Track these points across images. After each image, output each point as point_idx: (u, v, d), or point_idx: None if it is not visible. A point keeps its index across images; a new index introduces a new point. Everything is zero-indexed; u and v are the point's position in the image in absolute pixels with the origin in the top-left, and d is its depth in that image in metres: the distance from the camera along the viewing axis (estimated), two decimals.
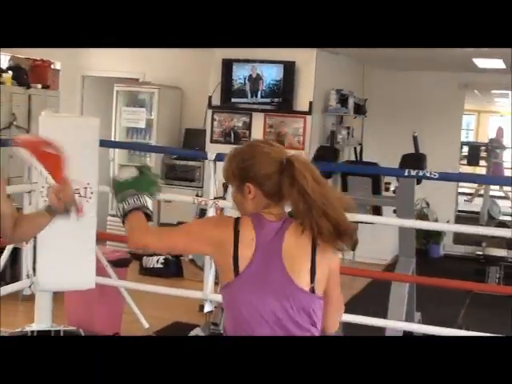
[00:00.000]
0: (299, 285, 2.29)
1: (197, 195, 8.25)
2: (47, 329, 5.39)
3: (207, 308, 5.20)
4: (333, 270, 2.39)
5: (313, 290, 2.32)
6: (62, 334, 5.34)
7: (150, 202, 2.55)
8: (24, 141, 2.73)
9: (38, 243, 5.09)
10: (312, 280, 2.31)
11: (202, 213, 8.08)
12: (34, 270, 5.15)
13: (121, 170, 2.70)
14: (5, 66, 8.37)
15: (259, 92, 7.98)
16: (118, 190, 2.56)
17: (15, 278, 6.31)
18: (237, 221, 2.34)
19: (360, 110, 9.04)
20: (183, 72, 9.20)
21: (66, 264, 5.10)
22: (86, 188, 5.03)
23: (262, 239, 2.31)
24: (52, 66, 9.03)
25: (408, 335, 4.94)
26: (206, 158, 5.32)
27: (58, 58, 9.16)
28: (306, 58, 7.79)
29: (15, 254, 5.58)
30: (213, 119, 8.33)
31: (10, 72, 8.28)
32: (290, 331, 2.30)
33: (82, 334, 5.33)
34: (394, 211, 5.56)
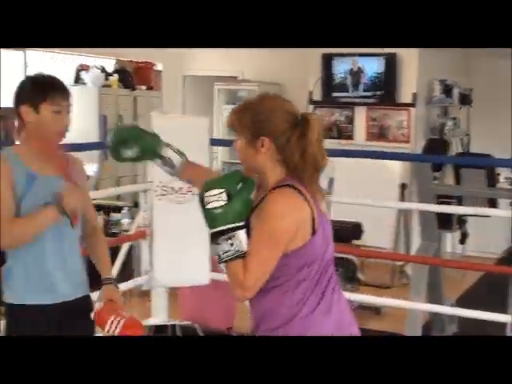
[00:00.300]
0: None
1: None
2: (164, 323, 5.54)
3: None
4: None
5: None
6: (177, 329, 5.48)
7: (242, 234, 2.28)
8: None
9: (155, 240, 5.22)
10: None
11: None
12: (151, 266, 5.29)
13: (206, 192, 2.32)
14: (111, 69, 8.60)
15: (360, 85, 7.95)
16: (209, 225, 2.31)
17: (128, 275, 6.50)
18: (299, 190, 2.32)
19: (465, 99, 8.87)
20: (282, 68, 9.23)
21: (181, 260, 5.23)
22: None
23: (310, 196, 2.36)
24: (154, 68, 9.22)
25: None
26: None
27: (160, 59, 9.35)
28: (408, 49, 7.70)
29: (128, 253, 5.72)
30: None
31: (116, 75, 8.51)
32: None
33: (198, 329, 5.45)
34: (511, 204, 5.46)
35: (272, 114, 2.35)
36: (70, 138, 4.03)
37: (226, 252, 2.26)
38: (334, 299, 2.42)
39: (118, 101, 8.52)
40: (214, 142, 5.82)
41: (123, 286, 5.41)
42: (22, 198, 2.71)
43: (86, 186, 3.01)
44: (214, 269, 5.43)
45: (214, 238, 2.29)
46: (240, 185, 2.33)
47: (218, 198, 2.27)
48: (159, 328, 5.50)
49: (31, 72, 7.75)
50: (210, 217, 2.28)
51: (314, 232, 2.32)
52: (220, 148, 9.26)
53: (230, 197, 2.28)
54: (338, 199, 6.67)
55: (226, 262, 2.28)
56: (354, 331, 2.49)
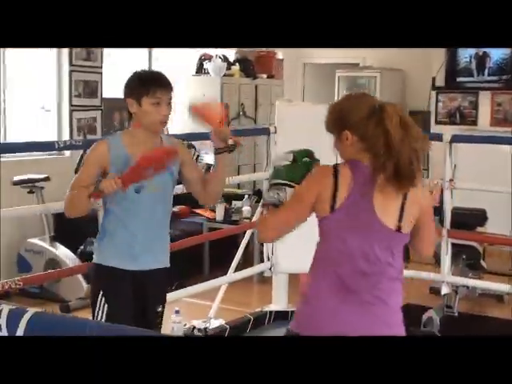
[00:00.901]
0: (386, 224, 2.50)
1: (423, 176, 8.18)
2: (285, 309, 5.62)
3: (444, 290, 5.18)
4: (424, 209, 2.58)
5: (399, 229, 2.51)
6: None
7: (289, 192, 2.66)
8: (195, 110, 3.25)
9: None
10: (400, 220, 2.51)
11: None
12: (273, 253, 5.38)
13: (280, 155, 2.81)
14: (232, 59, 8.74)
15: (486, 70, 7.77)
16: (270, 177, 2.78)
17: (247, 260, 6.63)
18: (335, 167, 2.54)
19: None
20: (405, 54, 9.10)
21: (303, 247, 5.26)
22: None
23: (358, 181, 2.51)
24: (276, 57, 9.30)
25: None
26: (441, 140, 5.20)
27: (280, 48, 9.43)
28: None
29: (250, 240, 5.82)
30: (437, 100, 8.22)
31: (238, 64, 8.64)
32: (372, 267, 2.51)
33: None
34: None
35: (349, 109, 2.56)
36: (191, 126, 4.18)
37: (270, 197, 2.66)
38: (338, 298, 2.52)
39: (240, 89, 8.66)
40: None
41: (245, 273, 5.54)
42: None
43: (190, 156, 3.43)
44: None
45: (270, 187, 2.71)
46: (307, 158, 2.71)
47: (285, 160, 2.72)
48: (280, 314, 5.58)
49: (157, 66, 8.06)
50: (274, 171, 2.76)
51: (332, 210, 2.50)
52: None
53: (294, 161, 2.70)
54: (461, 185, 6.57)
55: (265, 205, 2.71)
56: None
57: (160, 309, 3.29)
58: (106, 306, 3.14)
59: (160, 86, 3.09)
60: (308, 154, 2.75)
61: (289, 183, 2.67)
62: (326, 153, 5.16)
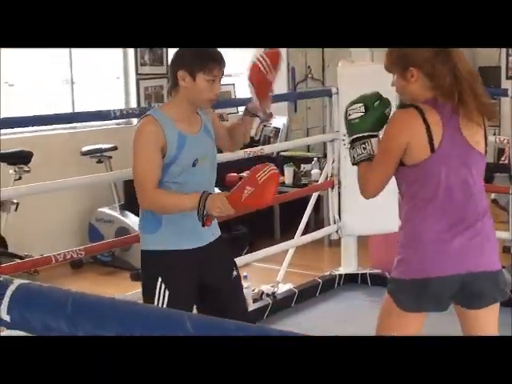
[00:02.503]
0: (479, 150, 2.65)
1: (494, 134, 8.00)
2: (354, 272, 5.60)
3: None
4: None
5: (485, 152, 2.69)
6: (368, 277, 5.53)
7: (374, 142, 2.69)
8: (253, 76, 3.12)
9: (342, 190, 5.27)
10: (486, 144, 2.68)
11: (501, 152, 7.83)
12: (340, 215, 5.36)
13: (349, 107, 2.76)
14: None
15: None
16: (349, 133, 2.77)
17: (319, 224, 6.62)
18: (418, 107, 2.57)
19: None
20: None
21: (369, 208, 5.22)
22: None
23: (445, 118, 2.58)
24: None
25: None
26: (506, 95, 5.12)
27: None
28: None
29: (317, 203, 5.81)
30: (508, 55, 8.00)
31: None
32: (474, 193, 2.64)
33: (388, 277, 5.46)
34: None
35: (411, 50, 2.58)
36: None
37: (360, 155, 2.69)
38: (453, 233, 2.61)
39: (306, 52, 8.58)
40: None
41: (311, 236, 5.53)
42: (176, 158, 2.96)
43: (215, 117, 3.29)
44: None
45: (352, 144, 2.72)
46: (378, 102, 2.70)
47: (357, 111, 2.70)
48: (349, 276, 5.58)
49: None
50: (350, 126, 2.73)
51: (432, 150, 2.58)
52: None
53: (367, 110, 2.69)
54: None
55: (358, 163, 2.71)
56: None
57: (235, 274, 3.21)
58: (168, 293, 2.99)
59: (218, 62, 2.96)
60: (377, 97, 2.74)
61: (371, 134, 2.69)
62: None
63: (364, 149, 2.67)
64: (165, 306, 2.96)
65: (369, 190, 2.71)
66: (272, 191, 2.73)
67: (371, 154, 2.67)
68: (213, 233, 3.14)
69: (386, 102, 2.73)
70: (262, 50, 3.15)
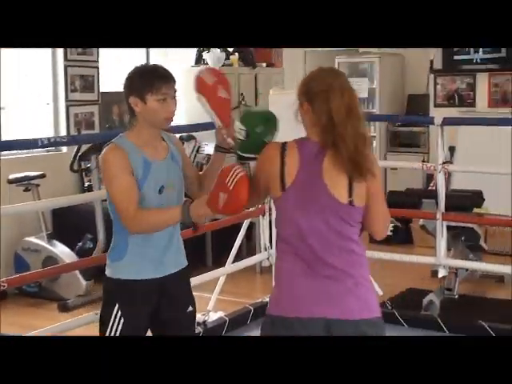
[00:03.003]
0: (338, 198, 2.56)
1: (423, 161, 8.17)
2: None
3: (441, 273, 5.17)
4: (373, 191, 2.62)
5: (351, 203, 2.56)
6: None
7: (253, 164, 2.79)
8: (202, 87, 2.95)
9: (273, 217, 5.29)
10: (350, 195, 2.56)
11: (430, 178, 7.99)
12: (271, 242, 5.37)
13: (236, 124, 2.88)
14: (231, 48, 8.71)
15: (481, 48, 7.77)
16: (235, 148, 2.91)
17: (251, 251, 6.63)
18: (284, 144, 2.63)
19: None
20: None
21: None
22: None
23: (306, 158, 2.58)
24: None
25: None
26: (433, 123, 5.23)
27: None
28: None
29: (250, 230, 5.82)
30: (435, 83, 8.20)
31: (237, 54, 8.62)
32: (331, 241, 2.57)
33: None
34: None
35: (310, 82, 2.63)
36: (193, 117, 4.13)
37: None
38: (300, 277, 2.58)
39: (239, 79, 8.63)
40: None
41: (243, 264, 5.52)
42: (142, 184, 2.93)
43: (184, 151, 3.21)
44: None
45: (238, 160, 2.86)
46: (261, 128, 2.81)
47: (240, 134, 2.84)
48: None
49: (154, 60, 8.07)
50: (236, 143, 2.89)
51: (283, 189, 2.59)
52: None
53: (248, 135, 2.81)
54: (459, 168, 6.56)
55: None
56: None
57: (190, 309, 3.15)
58: (122, 321, 2.98)
59: (164, 80, 2.91)
60: (263, 120, 2.83)
61: (250, 156, 2.82)
62: None
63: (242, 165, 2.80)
64: (118, 333, 2.98)
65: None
66: (244, 195, 2.67)
67: (248, 174, 2.73)
68: (176, 263, 3.09)
69: (270, 128, 2.82)
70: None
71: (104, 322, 3.03)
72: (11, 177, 6.12)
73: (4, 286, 3.69)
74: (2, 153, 6.30)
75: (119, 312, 2.99)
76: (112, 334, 2.98)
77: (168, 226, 2.93)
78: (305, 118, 2.65)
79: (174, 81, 2.96)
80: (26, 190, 6.12)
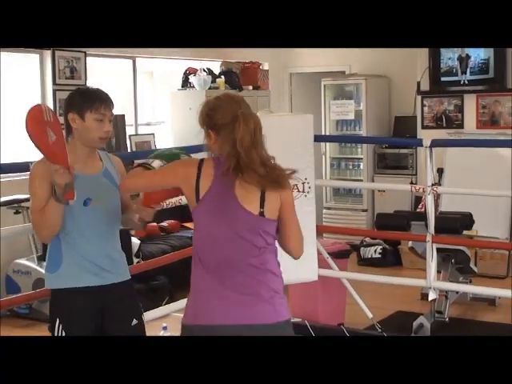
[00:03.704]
0: (249, 209, 2.71)
1: (411, 183, 8.19)
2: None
3: (431, 296, 5.16)
4: (284, 203, 2.77)
5: (262, 214, 2.71)
6: None
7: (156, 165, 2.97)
8: (31, 132, 2.95)
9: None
10: (262, 206, 2.71)
11: (418, 200, 8.01)
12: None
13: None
14: (217, 71, 8.74)
15: (468, 70, 7.82)
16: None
17: None
18: (201, 160, 2.78)
19: None
20: (389, 60, 9.10)
21: (289, 258, 5.24)
22: (303, 183, 5.18)
23: (219, 173, 2.72)
24: (261, 67, 9.30)
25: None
26: (421, 145, 5.25)
27: (266, 58, 9.43)
28: None
29: None
30: (423, 105, 8.23)
31: (223, 77, 8.64)
32: (241, 251, 2.71)
33: (308, 326, 5.47)
34: None
35: (215, 111, 2.76)
36: (181, 140, 4.11)
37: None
38: (209, 287, 2.73)
39: None
40: (318, 139, 5.84)
41: None
42: None
43: (124, 174, 3.32)
44: (323, 265, 5.45)
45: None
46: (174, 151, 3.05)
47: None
48: None
49: (140, 78, 8.07)
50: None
51: (197, 201, 2.73)
52: (328, 144, 9.26)
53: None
54: (448, 190, 6.57)
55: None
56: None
57: (135, 322, 3.21)
58: (64, 333, 3.08)
59: (104, 102, 3.12)
60: (177, 155, 3.02)
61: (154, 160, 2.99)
62: (303, 163, 5.21)
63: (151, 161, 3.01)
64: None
65: (124, 181, 2.99)
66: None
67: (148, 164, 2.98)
68: (117, 274, 3.17)
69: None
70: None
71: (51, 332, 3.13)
72: (2, 199, 6.10)
73: None
74: None
75: (61, 325, 3.09)
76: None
77: (56, 214, 3.00)
78: (211, 146, 2.79)
79: (112, 104, 3.17)
80: (17, 212, 6.11)
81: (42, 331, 5.65)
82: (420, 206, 7.20)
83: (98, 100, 3.10)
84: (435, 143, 5.10)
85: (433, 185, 5.13)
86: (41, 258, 6.28)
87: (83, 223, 3.09)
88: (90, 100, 3.09)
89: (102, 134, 3.11)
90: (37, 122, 2.93)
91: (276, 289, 2.77)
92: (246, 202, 2.71)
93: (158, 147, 7.70)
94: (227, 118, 2.71)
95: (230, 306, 2.70)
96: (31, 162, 3.90)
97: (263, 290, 2.72)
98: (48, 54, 7.01)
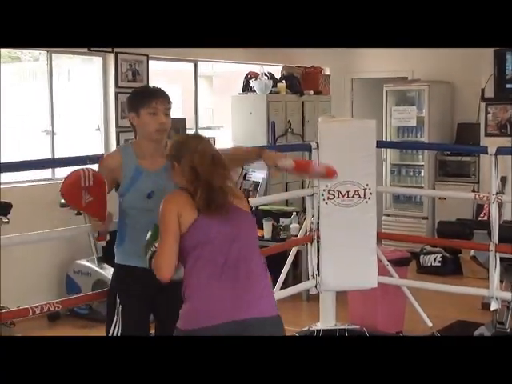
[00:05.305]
0: (245, 209, 3.13)
1: (473, 191, 8.06)
2: (332, 328, 5.56)
3: (494, 306, 5.06)
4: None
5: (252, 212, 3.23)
6: (346, 333, 5.48)
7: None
8: (64, 197, 3.37)
9: (322, 244, 5.26)
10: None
11: (479, 209, 7.87)
12: (318, 270, 5.33)
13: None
14: (279, 76, 8.74)
15: None
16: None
17: (297, 279, 6.59)
18: (178, 196, 3.05)
19: None
20: (453, 66, 8.98)
21: (349, 264, 5.23)
22: (365, 189, 5.14)
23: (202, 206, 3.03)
24: (322, 72, 9.28)
25: None
26: (486, 153, 5.15)
27: (328, 63, 9.40)
28: None
29: (296, 257, 5.79)
30: (486, 112, 8.11)
31: (284, 81, 8.64)
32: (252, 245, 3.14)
33: (366, 333, 5.43)
34: None
35: (179, 148, 3.07)
36: (241, 144, 4.11)
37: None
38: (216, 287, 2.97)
39: (287, 106, 8.64)
40: (381, 144, 5.79)
41: (290, 291, 5.49)
42: (128, 188, 3.34)
43: None
44: (382, 272, 5.41)
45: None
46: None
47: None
48: (328, 332, 5.53)
49: (201, 89, 8.10)
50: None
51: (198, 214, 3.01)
52: (389, 150, 9.17)
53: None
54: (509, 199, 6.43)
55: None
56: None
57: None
58: (121, 306, 3.34)
59: (154, 96, 3.32)
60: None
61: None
62: (364, 169, 5.17)
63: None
64: (119, 315, 3.35)
65: (161, 271, 3.05)
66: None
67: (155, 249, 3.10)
68: None
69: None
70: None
71: (109, 306, 3.42)
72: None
73: (58, 307, 3.77)
74: (55, 177, 6.43)
75: (118, 297, 3.35)
76: (115, 319, 3.35)
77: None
78: (177, 177, 3.08)
79: (165, 97, 3.36)
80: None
81: (101, 331, 5.71)
82: (482, 215, 7.08)
83: (149, 95, 3.33)
84: (501, 151, 5.01)
85: (497, 193, 5.04)
86: (101, 260, 6.38)
87: (144, 211, 3.29)
88: (141, 97, 3.34)
89: (157, 126, 3.30)
90: (72, 187, 3.22)
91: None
92: (240, 204, 3.08)
93: None
94: (186, 153, 3.03)
95: (255, 301, 3.00)
96: (89, 156, 4.03)
97: (268, 284, 3.14)
98: (111, 57, 7.11)
